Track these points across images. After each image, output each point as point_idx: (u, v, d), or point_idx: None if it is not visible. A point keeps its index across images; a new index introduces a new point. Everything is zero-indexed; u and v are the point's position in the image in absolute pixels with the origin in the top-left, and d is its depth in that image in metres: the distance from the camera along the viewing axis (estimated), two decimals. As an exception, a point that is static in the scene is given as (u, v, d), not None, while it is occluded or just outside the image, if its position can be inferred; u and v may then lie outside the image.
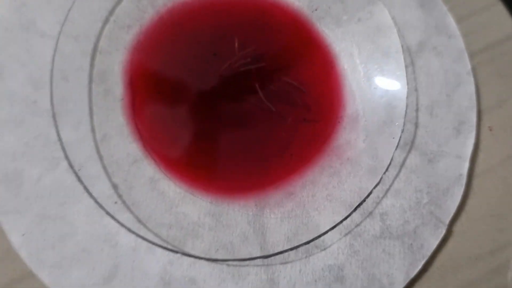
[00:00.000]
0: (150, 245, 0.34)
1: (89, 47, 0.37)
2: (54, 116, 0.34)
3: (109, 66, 0.37)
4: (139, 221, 0.35)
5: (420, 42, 0.40)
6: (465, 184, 0.37)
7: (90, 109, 0.36)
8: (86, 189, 0.34)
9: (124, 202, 0.34)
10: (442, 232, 0.37)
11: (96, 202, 0.34)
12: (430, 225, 0.37)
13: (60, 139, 0.34)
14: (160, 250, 0.35)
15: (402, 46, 0.36)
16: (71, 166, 0.34)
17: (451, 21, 0.40)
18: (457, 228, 0.38)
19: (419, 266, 0.35)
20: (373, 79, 0.38)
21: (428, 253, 0.36)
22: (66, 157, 0.34)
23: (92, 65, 0.37)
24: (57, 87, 0.35)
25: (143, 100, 0.37)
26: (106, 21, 0.38)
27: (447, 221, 0.37)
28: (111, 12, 0.38)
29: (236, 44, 0.37)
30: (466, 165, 0.36)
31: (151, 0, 0.40)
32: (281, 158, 0.37)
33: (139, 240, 0.34)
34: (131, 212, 0.35)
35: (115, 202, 0.35)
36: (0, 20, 0.38)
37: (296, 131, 0.37)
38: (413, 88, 0.38)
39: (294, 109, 0.38)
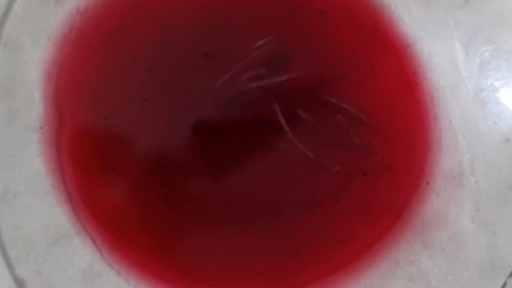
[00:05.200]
0: None
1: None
2: None
3: (19, 69, 0.27)
4: None
5: None
6: None
7: (-19, 144, 0.26)
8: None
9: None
10: None
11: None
12: None
13: None
14: None
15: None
16: None
17: None
18: None
19: None
20: (491, 106, 0.27)
21: None
22: None
23: (-12, 66, 0.26)
24: None
25: (76, 130, 0.26)
26: (17, -10, 0.26)
27: None
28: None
29: (262, 43, 0.27)
30: None
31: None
32: (321, 245, 0.26)
33: None
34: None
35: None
36: None
37: (347, 194, 0.26)
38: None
39: (346, 153, 0.27)
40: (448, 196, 0.27)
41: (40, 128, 0.27)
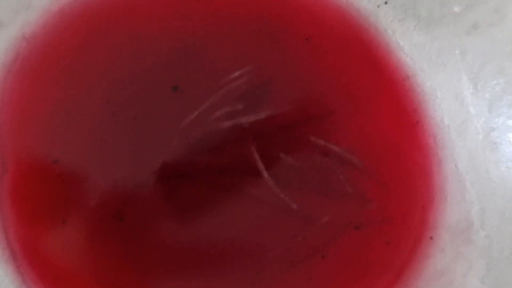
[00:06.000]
0: None
1: None
2: None
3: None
4: None
5: None
6: None
7: None
8: None
9: None
10: None
11: None
12: None
13: None
14: None
15: None
16: None
17: None
18: None
19: None
20: (504, 149, 0.25)
21: None
22: None
23: None
24: None
25: (21, 177, 0.24)
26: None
27: None
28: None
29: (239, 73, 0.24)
30: None
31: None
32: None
33: None
34: None
35: None
36: None
37: (337, 249, 0.24)
38: None
39: (335, 203, 0.24)
40: (454, 253, 0.25)
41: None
